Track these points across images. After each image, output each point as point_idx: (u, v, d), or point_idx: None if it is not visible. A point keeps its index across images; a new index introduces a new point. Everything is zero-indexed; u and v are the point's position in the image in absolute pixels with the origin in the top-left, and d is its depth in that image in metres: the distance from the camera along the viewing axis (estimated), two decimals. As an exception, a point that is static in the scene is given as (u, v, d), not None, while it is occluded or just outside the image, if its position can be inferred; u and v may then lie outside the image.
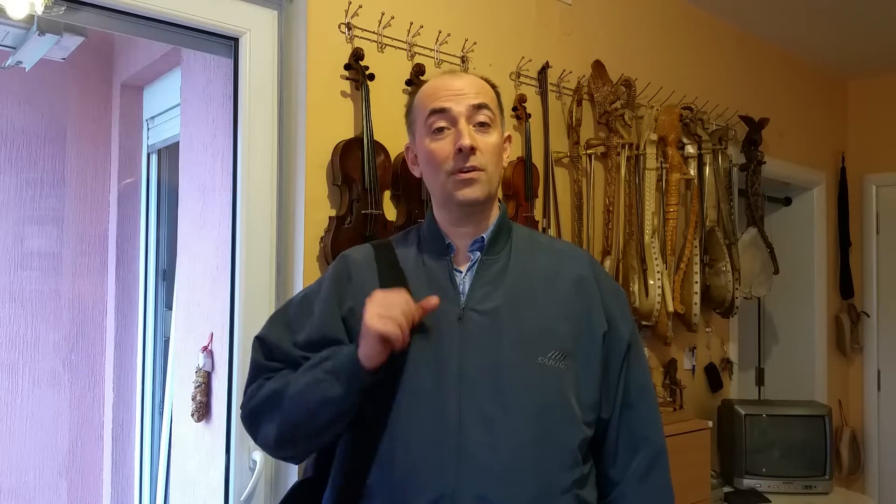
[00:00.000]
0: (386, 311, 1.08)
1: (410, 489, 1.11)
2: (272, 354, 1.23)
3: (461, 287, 1.20)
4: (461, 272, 1.22)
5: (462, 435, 1.10)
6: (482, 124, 1.18)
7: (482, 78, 1.26)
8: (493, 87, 1.26)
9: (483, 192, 1.18)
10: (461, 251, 1.24)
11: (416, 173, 1.27)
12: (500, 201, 1.29)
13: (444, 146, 1.17)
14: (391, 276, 1.23)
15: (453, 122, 1.17)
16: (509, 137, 1.30)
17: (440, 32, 2.03)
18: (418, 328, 1.15)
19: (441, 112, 1.17)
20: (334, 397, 1.10)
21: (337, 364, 1.11)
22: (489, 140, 1.19)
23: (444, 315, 1.17)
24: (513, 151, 2.20)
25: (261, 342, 1.26)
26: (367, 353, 1.09)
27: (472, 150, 1.15)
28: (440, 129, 1.18)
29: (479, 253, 1.22)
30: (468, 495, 1.08)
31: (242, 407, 1.25)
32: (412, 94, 1.28)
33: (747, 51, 3.26)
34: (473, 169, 1.16)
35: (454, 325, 1.15)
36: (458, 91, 1.18)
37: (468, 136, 1.15)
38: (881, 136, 3.84)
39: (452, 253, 1.23)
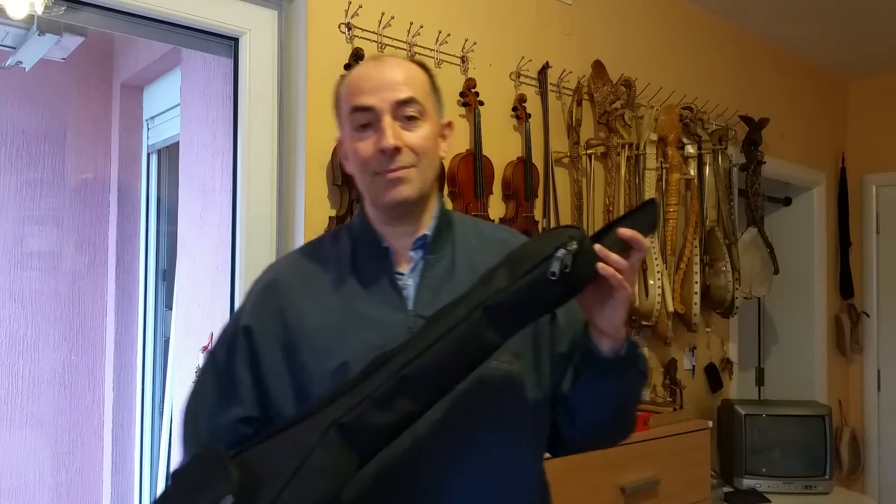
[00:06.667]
0: None
1: None
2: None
3: (406, 292, 1.07)
4: (403, 275, 1.09)
5: (422, 461, 0.99)
6: (410, 118, 1.07)
7: (413, 61, 1.15)
8: (426, 70, 1.14)
9: (413, 191, 1.07)
10: (400, 252, 1.10)
11: (348, 170, 1.14)
12: (439, 193, 1.17)
13: (367, 146, 1.06)
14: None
15: (377, 118, 1.05)
16: (450, 124, 1.17)
17: (440, 32, 2.03)
18: (361, 344, 1.01)
19: (363, 110, 1.06)
20: None
21: None
22: (418, 134, 1.07)
23: (391, 325, 1.03)
24: (512, 151, 2.21)
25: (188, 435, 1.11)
26: None
27: (397, 149, 1.04)
28: (363, 127, 1.07)
29: (421, 252, 1.10)
30: None
31: None
32: (338, 84, 1.14)
33: (747, 51, 3.26)
34: (399, 168, 1.05)
35: (404, 336, 0.96)
36: (382, 83, 1.07)
37: (391, 135, 1.04)
38: (881, 136, 3.84)
39: (391, 255, 1.10)
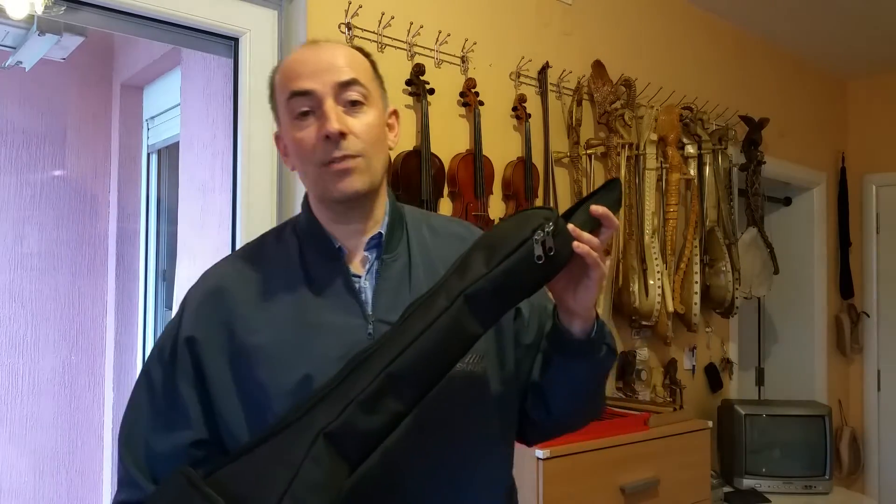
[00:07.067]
0: None
1: None
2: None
3: (364, 296, 1.00)
4: (360, 277, 1.01)
5: (394, 468, 0.94)
6: (354, 103, 0.99)
7: (353, 46, 1.08)
8: (367, 56, 1.07)
9: (364, 183, 0.99)
10: (353, 252, 1.03)
11: (289, 166, 1.05)
12: (389, 186, 1.09)
13: (309, 134, 0.97)
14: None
15: (318, 104, 0.97)
16: (395, 112, 1.10)
17: (440, 32, 2.03)
18: (322, 355, 0.94)
19: (302, 94, 0.98)
20: None
21: None
22: (364, 120, 0.99)
23: (350, 332, 0.96)
24: (512, 151, 2.21)
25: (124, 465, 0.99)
26: None
27: (342, 135, 0.96)
28: (303, 115, 0.98)
29: (376, 251, 1.03)
30: None
31: None
32: (273, 72, 1.05)
33: (747, 51, 3.26)
34: (347, 157, 0.97)
35: (365, 343, 0.91)
36: (321, 66, 0.99)
37: (335, 119, 0.96)
38: (881, 136, 3.84)
39: (344, 256, 1.02)
